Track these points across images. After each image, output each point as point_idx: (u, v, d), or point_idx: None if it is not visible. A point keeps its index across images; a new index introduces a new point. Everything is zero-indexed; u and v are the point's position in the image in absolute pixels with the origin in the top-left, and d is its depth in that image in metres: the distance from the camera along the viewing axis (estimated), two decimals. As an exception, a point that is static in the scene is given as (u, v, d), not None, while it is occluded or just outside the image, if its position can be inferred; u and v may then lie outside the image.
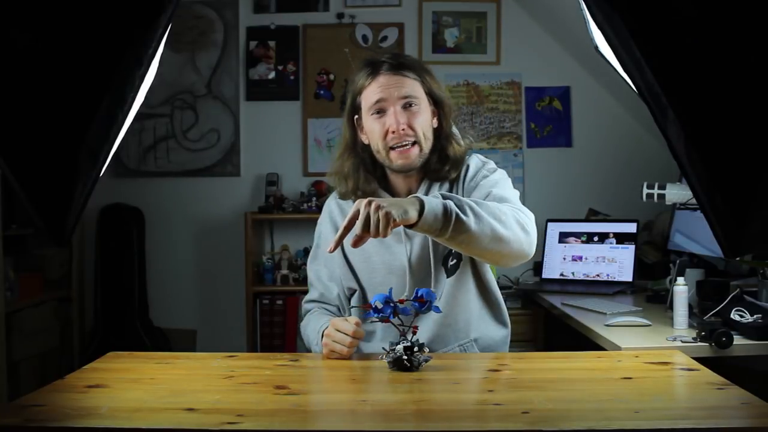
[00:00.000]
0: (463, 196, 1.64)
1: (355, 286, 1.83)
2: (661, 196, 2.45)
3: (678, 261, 2.67)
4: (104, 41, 1.09)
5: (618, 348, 2.03)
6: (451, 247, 1.59)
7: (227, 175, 4.11)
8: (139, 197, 4.06)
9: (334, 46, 4.09)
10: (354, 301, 1.85)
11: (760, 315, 2.15)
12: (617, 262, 3.25)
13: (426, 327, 1.75)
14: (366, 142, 1.79)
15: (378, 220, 1.39)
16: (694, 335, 2.09)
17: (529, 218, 1.63)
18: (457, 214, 1.47)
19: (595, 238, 3.35)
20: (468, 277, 1.79)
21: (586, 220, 3.68)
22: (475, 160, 1.83)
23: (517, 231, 1.57)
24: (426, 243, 1.76)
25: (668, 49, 1.03)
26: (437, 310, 1.55)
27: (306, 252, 4.02)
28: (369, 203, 1.41)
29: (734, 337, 2.03)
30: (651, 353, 1.72)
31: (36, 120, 1.11)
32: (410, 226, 1.47)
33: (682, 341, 2.07)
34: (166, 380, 1.46)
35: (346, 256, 1.84)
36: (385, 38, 4.10)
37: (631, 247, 3.23)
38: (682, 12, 1.02)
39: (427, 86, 1.76)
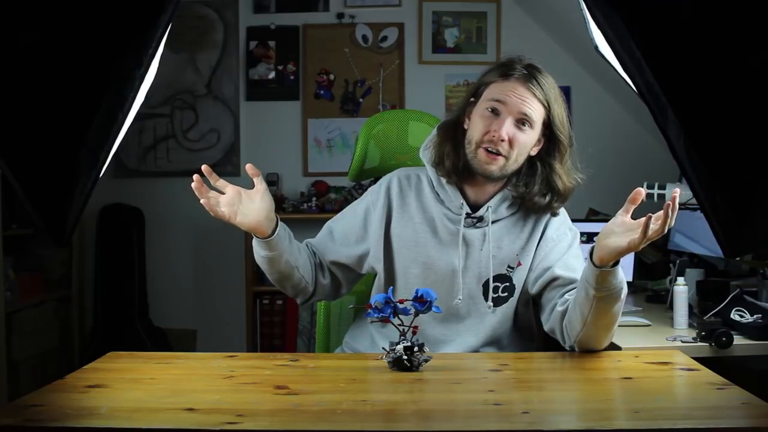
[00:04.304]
0: (540, 241, 1.79)
1: (380, 268, 1.81)
2: (661, 196, 2.44)
3: (678, 261, 2.67)
4: (104, 41, 1.09)
5: (618, 348, 2.03)
6: (598, 303, 1.59)
7: (227, 175, 4.08)
8: (139, 197, 4.06)
9: (334, 46, 4.09)
10: (375, 288, 1.85)
11: (760, 315, 2.15)
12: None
13: (456, 348, 1.77)
14: (465, 127, 1.79)
15: None
16: (694, 335, 2.09)
17: None
18: (622, 290, 1.62)
19: (596, 238, 3.34)
20: (510, 315, 1.81)
21: (586, 220, 3.67)
22: (562, 211, 1.87)
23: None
24: (480, 260, 1.77)
25: (668, 49, 1.03)
26: (438, 309, 1.55)
27: (306, 252, 4.02)
28: None
29: (734, 337, 2.03)
30: (651, 353, 1.72)
31: (36, 120, 1.11)
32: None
33: (682, 341, 2.07)
34: (166, 380, 1.45)
35: (389, 234, 1.81)
36: (385, 38, 4.10)
37: (631, 247, 3.22)
38: (682, 12, 1.02)
39: (549, 117, 1.74)
